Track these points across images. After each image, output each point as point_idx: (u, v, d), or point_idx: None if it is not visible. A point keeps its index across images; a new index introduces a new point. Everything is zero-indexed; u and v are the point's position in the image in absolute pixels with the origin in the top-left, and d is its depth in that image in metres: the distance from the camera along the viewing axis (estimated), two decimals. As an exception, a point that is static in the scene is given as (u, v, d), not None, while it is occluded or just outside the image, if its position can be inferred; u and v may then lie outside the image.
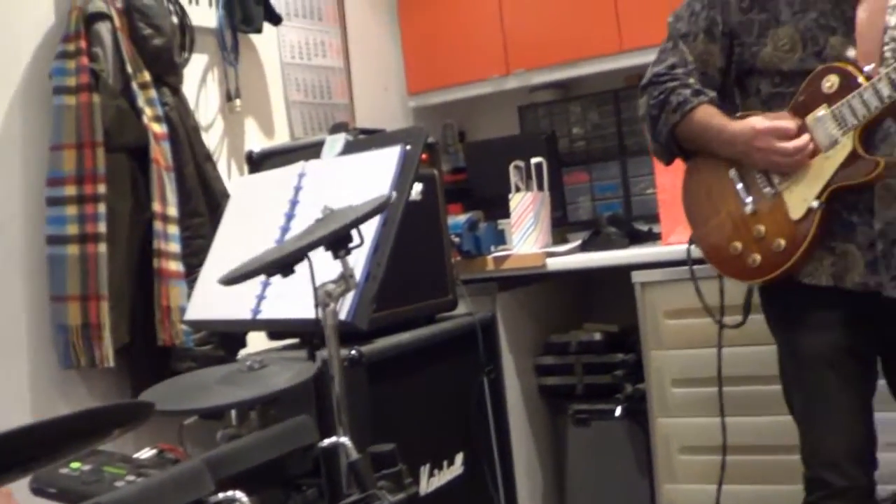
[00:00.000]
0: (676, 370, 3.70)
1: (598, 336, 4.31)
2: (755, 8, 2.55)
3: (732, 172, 2.57)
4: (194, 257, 3.43)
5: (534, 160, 4.35)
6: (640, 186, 4.79)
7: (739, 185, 2.56)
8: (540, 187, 4.33)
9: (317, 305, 2.30)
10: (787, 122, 2.45)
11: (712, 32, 2.61)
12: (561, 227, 4.67)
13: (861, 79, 2.37)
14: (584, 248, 4.23)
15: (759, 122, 2.48)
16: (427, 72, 5.10)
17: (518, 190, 4.32)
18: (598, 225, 4.35)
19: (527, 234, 4.21)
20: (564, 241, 4.56)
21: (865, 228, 2.41)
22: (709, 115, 2.59)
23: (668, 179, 3.87)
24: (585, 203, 4.95)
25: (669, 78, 2.65)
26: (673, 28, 2.71)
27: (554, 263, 4.06)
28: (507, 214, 4.31)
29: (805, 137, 2.43)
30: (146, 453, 2.25)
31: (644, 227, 4.43)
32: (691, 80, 2.63)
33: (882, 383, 2.59)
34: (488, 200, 4.64)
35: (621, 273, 3.85)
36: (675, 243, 3.81)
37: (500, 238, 4.36)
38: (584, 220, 4.88)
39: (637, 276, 3.80)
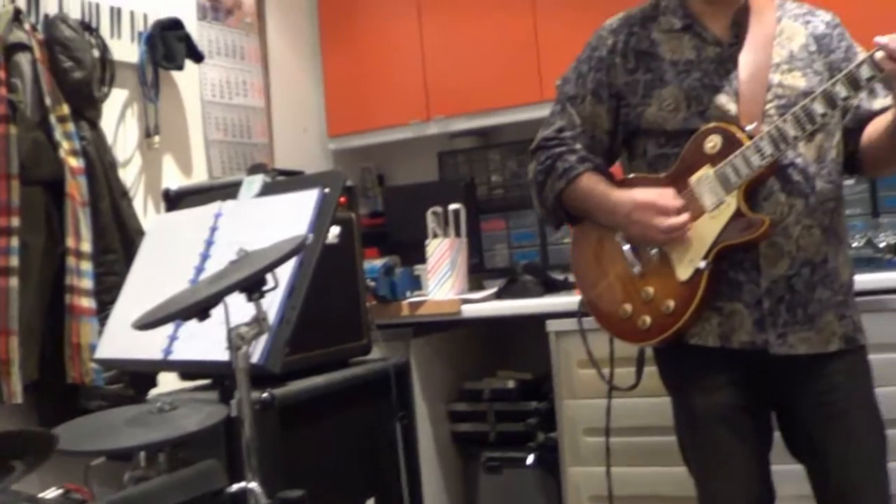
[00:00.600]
0: (588, 419, 3.70)
1: (511, 384, 4.31)
2: (640, 68, 2.57)
3: (619, 236, 2.57)
4: (107, 294, 3.39)
5: (452, 206, 4.36)
6: (557, 236, 4.82)
7: (627, 248, 2.55)
8: (457, 234, 4.34)
9: (229, 348, 2.28)
10: (668, 196, 2.46)
11: (599, 94, 2.62)
12: (477, 273, 4.69)
13: (743, 138, 2.40)
14: (500, 295, 4.25)
15: (640, 194, 2.49)
16: (348, 115, 5.11)
17: (435, 236, 4.33)
18: (515, 273, 4.36)
19: (443, 280, 4.21)
20: (480, 287, 4.58)
21: (752, 287, 2.43)
22: (593, 182, 2.59)
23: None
24: (502, 250, 4.98)
25: (557, 143, 2.65)
26: (561, 91, 2.72)
27: (469, 310, 4.06)
28: (423, 260, 4.32)
29: (683, 217, 2.44)
30: (52, 493, 2.21)
31: (560, 276, 4.45)
32: (578, 146, 2.63)
33: (778, 435, 2.61)
34: (405, 245, 4.64)
35: (536, 321, 3.86)
36: (590, 293, 3.84)
37: (415, 283, 4.36)
38: (501, 267, 4.89)
39: (552, 325, 3.81)
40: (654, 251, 2.50)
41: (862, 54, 2.42)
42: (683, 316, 2.44)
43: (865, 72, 2.27)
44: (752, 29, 2.53)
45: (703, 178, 2.44)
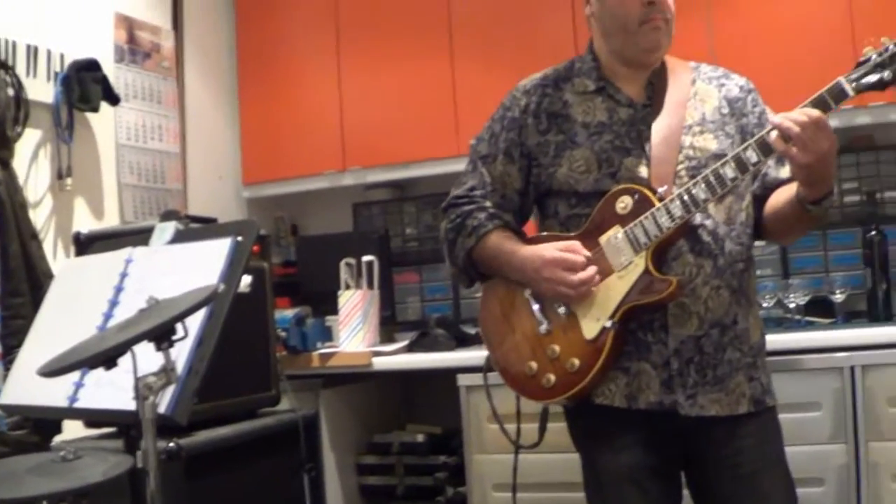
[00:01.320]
0: (498, 475, 3.70)
1: (420, 437, 4.30)
2: (552, 130, 2.59)
3: (528, 293, 2.58)
4: (13, 338, 3.33)
5: (365, 258, 4.37)
6: (470, 290, 4.84)
7: (535, 306, 2.56)
8: (370, 285, 4.34)
9: (136, 398, 2.25)
10: (576, 253, 2.48)
11: (511, 154, 2.64)
12: (389, 326, 4.69)
13: (654, 199, 2.44)
14: (411, 348, 4.25)
15: (548, 250, 2.51)
16: (263, 163, 5.11)
17: (348, 287, 4.32)
18: (426, 326, 4.38)
19: (354, 332, 4.20)
20: (392, 340, 4.58)
21: (660, 347, 2.45)
22: (502, 239, 2.61)
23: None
24: (414, 303, 5.00)
25: (467, 201, 2.67)
26: (474, 150, 2.74)
27: (380, 363, 4.06)
28: (335, 311, 4.30)
29: (591, 270, 2.46)
30: (-52, 543, 2.15)
31: (472, 331, 4.47)
32: (488, 204, 2.65)
33: (688, 494, 2.62)
34: (317, 296, 4.62)
35: (447, 375, 3.87)
36: (501, 348, 3.86)
37: (327, 334, 4.34)
38: (413, 320, 4.91)
39: (462, 380, 3.81)
40: (561, 309, 2.51)
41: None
42: (588, 375, 2.45)
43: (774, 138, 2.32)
44: (665, 91, 2.58)
45: (612, 238, 2.47)
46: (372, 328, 4.27)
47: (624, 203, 2.47)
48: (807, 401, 3.35)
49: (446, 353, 4.14)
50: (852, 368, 3.39)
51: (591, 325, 2.46)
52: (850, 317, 4.15)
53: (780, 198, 2.55)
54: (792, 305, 3.97)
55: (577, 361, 2.46)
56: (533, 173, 2.62)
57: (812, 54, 3.99)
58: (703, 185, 2.38)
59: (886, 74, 2.29)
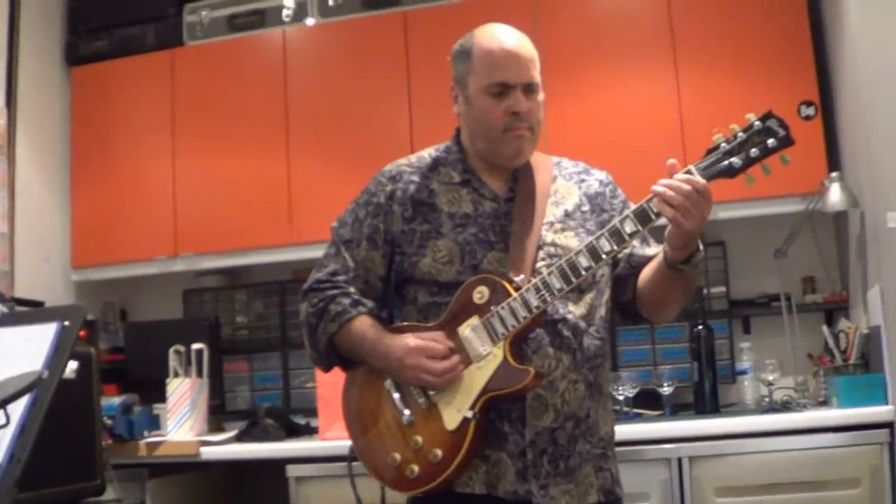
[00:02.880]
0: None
1: (249, 529, 4.25)
2: (418, 218, 2.61)
3: (388, 383, 2.56)
4: None
5: (195, 346, 4.31)
6: (301, 379, 4.84)
7: (396, 396, 2.54)
8: (199, 374, 4.28)
9: (-46, 486, 2.17)
10: (439, 342, 2.49)
11: (375, 240, 2.64)
12: (218, 415, 4.62)
13: (510, 289, 2.46)
14: (240, 438, 4.20)
15: (412, 339, 2.51)
16: (93, 246, 5.01)
17: (177, 375, 4.25)
18: (256, 416, 4.33)
19: (182, 421, 4.13)
20: (221, 430, 4.51)
21: (517, 438, 2.47)
22: (366, 326, 2.59)
23: (328, 375, 3.92)
24: (244, 392, 4.95)
25: (330, 286, 2.65)
26: (336, 234, 2.73)
27: (208, 452, 4.00)
28: (163, 399, 4.23)
29: (454, 359, 2.47)
30: None
31: (302, 421, 4.44)
32: (351, 290, 2.64)
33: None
34: (145, 383, 4.54)
35: (277, 466, 3.83)
36: (332, 438, 3.86)
37: (154, 423, 4.26)
38: (242, 409, 4.86)
39: (292, 471, 3.78)
40: (422, 400, 2.51)
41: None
42: (451, 466, 2.44)
43: (629, 226, 2.39)
44: (528, 187, 2.63)
45: (470, 328, 2.48)
46: (200, 417, 4.21)
47: (481, 293, 2.49)
48: (636, 491, 3.42)
49: (276, 443, 4.10)
50: (679, 460, 3.49)
51: (453, 415, 2.46)
52: (677, 409, 4.28)
53: (650, 271, 2.61)
54: (621, 398, 4.06)
55: (439, 452, 2.46)
56: (396, 260, 2.63)
57: (643, 141, 4.18)
58: (557, 274, 2.42)
59: (736, 161, 2.37)
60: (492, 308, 2.46)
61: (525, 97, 2.56)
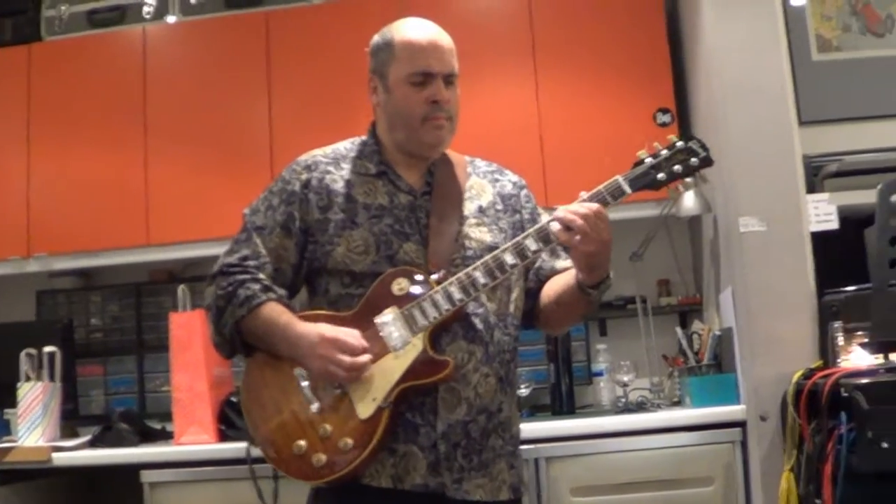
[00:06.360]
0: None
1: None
2: (333, 207, 2.61)
3: (298, 370, 2.54)
4: None
5: (47, 349, 4.20)
6: (156, 383, 4.78)
7: (305, 384, 2.52)
8: (52, 377, 4.17)
9: None
10: (354, 337, 2.49)
11: (289, 228, 2.63)
12: (71, 420, 4.51)
13: (432, 282, 2.50)
14: (94, 443, 4.10)
15: (327, 329, 2.50)
16: (-58, 245, 4.85)
17: (28, 379, 4.14)
18: (110, 420, 4.24)
19: (34, 426, 4.03)
20: (74, 435, 4.40)
21: (428, 430, 2.48)
22: (276, 312, 2.57)
23: (185, 379, 3.89)
24: (98, 397, 4.87)
25: (240, 270, 2.62)
26: (248, 220, 2.70)
27: (61, 458, 3.89)
28: (14, 404, 4.11)
29: (365, 358, 2.47)
30: None
31: (157, 425, 4.38)
32: (262, 276, 2.62)
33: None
34: (-5, 387, 4.42)
35: (131, 471, 3.76)
36: (187, 443, 3.83)
37: (4, 428, 4.16)
38: (96, 414, 4.78)
39: (146, 476, 3.73)
40: (335, 388, 2.50)
41: (546, 216, 2.59)
42: (362, 454, 2.45)
43: (555, 226, 2.46)
44: (444, 181, 2.68)
45: (388, 318, 2.50)
46: (53, 422, 4.10)
47: (400, 285, 2.51)
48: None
49: (130, 448, 4.02)
50: (536, 460, 3.55)
51: (366, 404, 2.46)
52: (534, 410, 4.34)
53: (556, 285, 2.69)
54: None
55: (350, 441, 2.45)
56: (308, 249, 2.62)
57: (501, 143, 4.24)
58: (483, 270, 2.48)
59: (661, 175, 2.54)
60: (412, 299, 2.49)
61: (445, 87, 2.64)
